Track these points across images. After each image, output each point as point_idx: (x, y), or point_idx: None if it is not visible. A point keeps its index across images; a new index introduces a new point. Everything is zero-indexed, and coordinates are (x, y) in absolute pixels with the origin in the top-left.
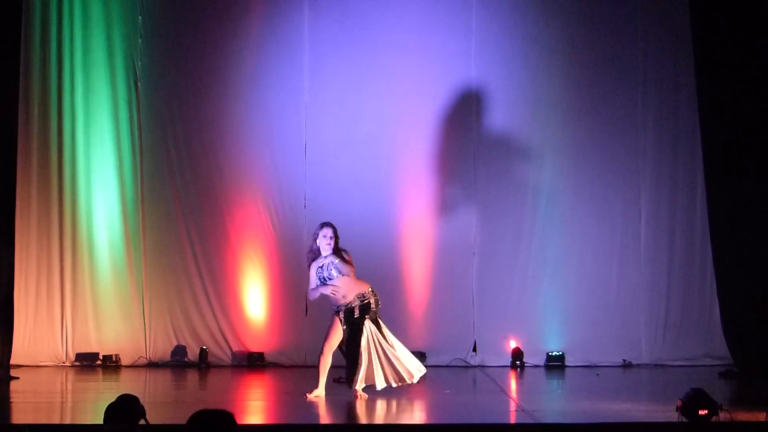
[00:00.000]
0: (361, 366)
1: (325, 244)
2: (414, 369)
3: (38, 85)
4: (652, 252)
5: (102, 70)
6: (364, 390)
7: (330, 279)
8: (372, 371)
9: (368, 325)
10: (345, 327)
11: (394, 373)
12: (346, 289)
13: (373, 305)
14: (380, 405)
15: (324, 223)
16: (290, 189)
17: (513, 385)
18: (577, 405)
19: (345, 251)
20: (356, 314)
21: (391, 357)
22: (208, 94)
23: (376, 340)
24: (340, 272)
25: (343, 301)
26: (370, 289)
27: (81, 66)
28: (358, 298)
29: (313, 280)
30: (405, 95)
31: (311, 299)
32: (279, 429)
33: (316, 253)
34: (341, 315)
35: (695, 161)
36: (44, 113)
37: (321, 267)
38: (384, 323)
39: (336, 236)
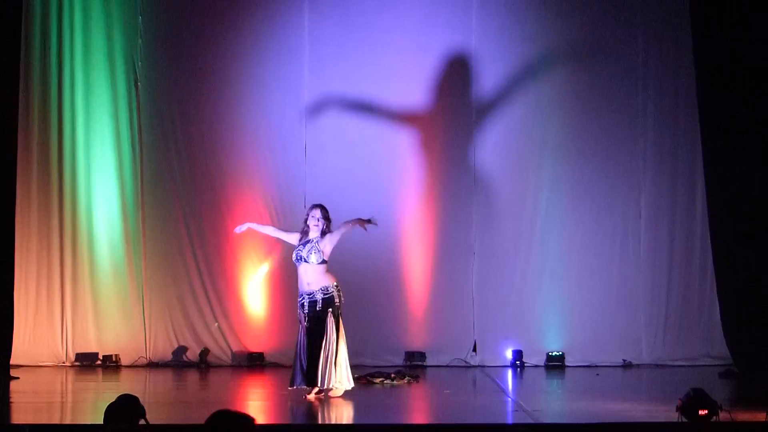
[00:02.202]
0: (325, 364)
1: (312, 225)
2: (345, 380)
3: (38, 85)
4: (652, 252)
5: (102, 70)
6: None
7: (306, 260)
8: (316, 370)
9: (330, 321)
10: (306, 323)
11: (331, 376)
12: (312, 276)
13: (336, 301)
14: (380, 405)
15: (314, 204)
16: (290, 189)
17: (513, 385)
18: (577, 405)
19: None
20: (319, 307)
21: (337, 360)
22: (208, 94)
23: (332, 340)
24: (321, 256)
25: (306, 288)
26: (335, 284)
27: (81, 66)
28: (321, 291)
29: (280, 234)
30: (405, 95)
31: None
32: (279, 429)
33: (304, 232)
34: (305, 309)
35: (695, 161)
36: (44, 113)
37: (303, 245)
38: (344, 323)
39: (326, 219)
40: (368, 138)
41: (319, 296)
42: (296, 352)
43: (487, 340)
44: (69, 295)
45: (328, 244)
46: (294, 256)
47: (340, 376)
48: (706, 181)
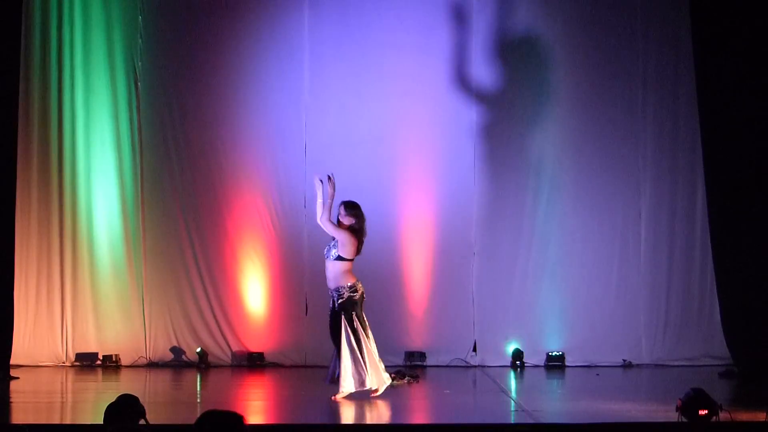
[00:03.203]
0: (343, 364)
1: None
2: (385, 378)
3: (38, 85)
4: (652, 252)
5: (102, 70)
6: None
7: (326, 256)
8: (347, 370)
9: (342, 323)
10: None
11: (357, 374)
12: (330, 273)
13: (344, 301)
14: (380, 405)
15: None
16: (290, 189)
17: (513, 385)
18: (577, 405)
19: (351, 231)
20: (336, 308)
21: (361, 359)
22: (209, 94)
23: (352, 338)
24: (336, 252)
25: (328, 285)
26: (349, 285)
27: (81, 66)
28: (335, 290)
29: (327, 225)
30: (405, 95)
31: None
32: (279, 429)
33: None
34: (329, 305)
35: (695, 161)
36: (44, 113)
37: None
38: (368, 324)
39: (349, 215)
40: (368, 138)
41: (334, 295)
42: None
43: (487, 340)
44: (69, 295)
45: (338, 240)
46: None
47: (344, 378)
48: (706, 181)
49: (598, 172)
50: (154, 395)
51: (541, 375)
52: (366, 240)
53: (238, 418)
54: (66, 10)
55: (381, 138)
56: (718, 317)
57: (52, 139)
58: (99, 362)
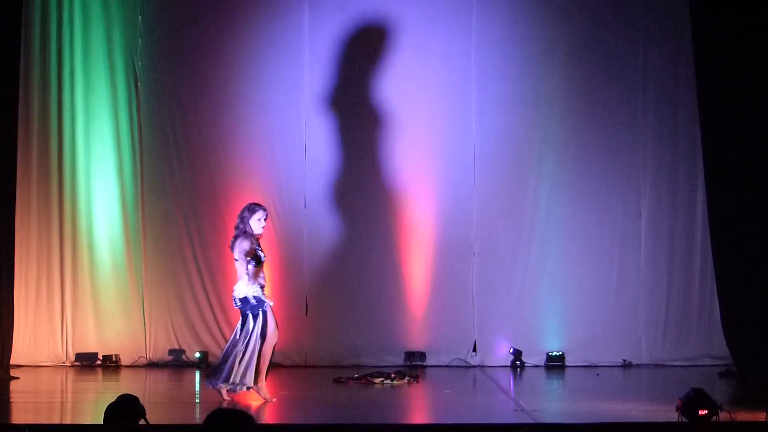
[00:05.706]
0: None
1: (260, 227)
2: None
3: (38, 85)
4: (652, 252)
5: (102, 70)
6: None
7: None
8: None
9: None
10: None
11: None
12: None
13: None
14: (380, 405)
15: (259, 205)
16: (290, 189)
17: (513, 385)
18: (577, 405)
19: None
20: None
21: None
22: (209, 94)
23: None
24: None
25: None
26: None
27: (81, 66)
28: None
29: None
30: (404, 95)
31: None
32: (279, 429)
33: (255, 235)
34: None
35: (695, 161)
36: (44, 113)
37: (258, 244)
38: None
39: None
40: (368, 138)
41: None
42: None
43: (487, 340)
44: (69, 295)
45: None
46: (262, 256)
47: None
48: (706, 182)
49: (598, 172)
50: (154, 395)
51: (541, 375)
52: (367, 240)
53: (249, 417)
54: (66, 10)
55: (381, 138)
56: (718, 317)
57: (52, 139)
58: (99, 362)
